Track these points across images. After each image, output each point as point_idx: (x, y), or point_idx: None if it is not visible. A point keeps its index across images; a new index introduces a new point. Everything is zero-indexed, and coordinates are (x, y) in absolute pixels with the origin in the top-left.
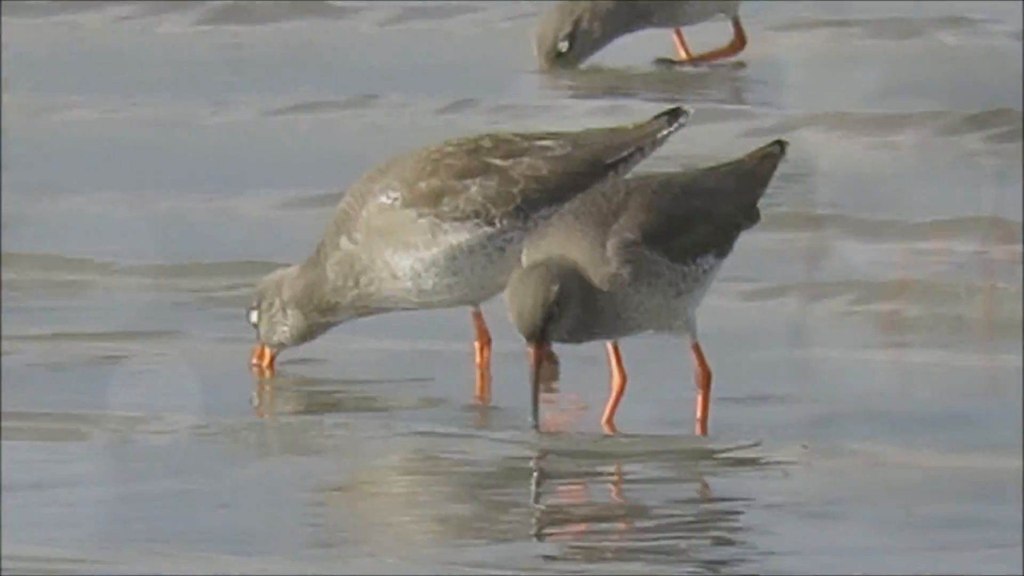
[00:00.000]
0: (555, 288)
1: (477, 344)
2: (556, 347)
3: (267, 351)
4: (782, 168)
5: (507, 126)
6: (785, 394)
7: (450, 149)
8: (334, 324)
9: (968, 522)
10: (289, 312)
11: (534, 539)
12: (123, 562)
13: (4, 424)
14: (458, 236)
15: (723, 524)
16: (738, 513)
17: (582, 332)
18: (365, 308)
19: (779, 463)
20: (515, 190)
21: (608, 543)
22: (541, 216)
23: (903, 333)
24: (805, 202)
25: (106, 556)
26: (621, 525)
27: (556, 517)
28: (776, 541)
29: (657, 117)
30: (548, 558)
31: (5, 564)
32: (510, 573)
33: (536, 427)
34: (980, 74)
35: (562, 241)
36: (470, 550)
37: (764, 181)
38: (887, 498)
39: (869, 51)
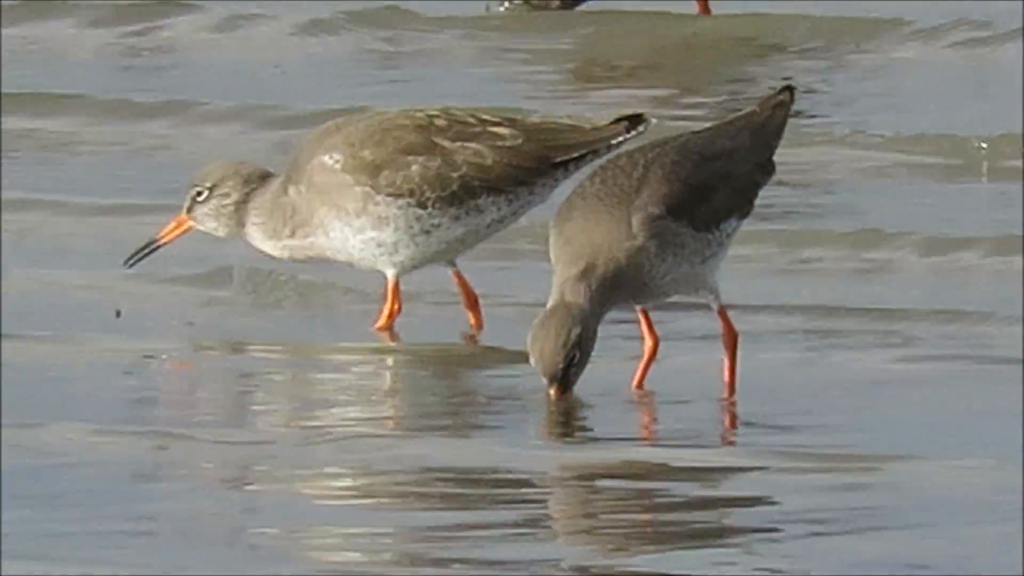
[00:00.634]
0: (576, 332)
1: (386, 309)
2: None
3: (183, 226)
4: None
5: None
6: None
7: (402, 121)
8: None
9: None
10: (239, 209)
11: None
12: None
13: None
14: (388, 211)
15: None
16: None
17: (615, 307)
18: (299, 257)
19: None
20: (455, 175)
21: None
22: (476, 206)
23: None
24: None
25: None
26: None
27: None
28: None
29: (617, 120)
30: None
31: None
32: None
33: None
34: None
35: (587, 223)
36: None
37: (779, 132)
38: None
39: None
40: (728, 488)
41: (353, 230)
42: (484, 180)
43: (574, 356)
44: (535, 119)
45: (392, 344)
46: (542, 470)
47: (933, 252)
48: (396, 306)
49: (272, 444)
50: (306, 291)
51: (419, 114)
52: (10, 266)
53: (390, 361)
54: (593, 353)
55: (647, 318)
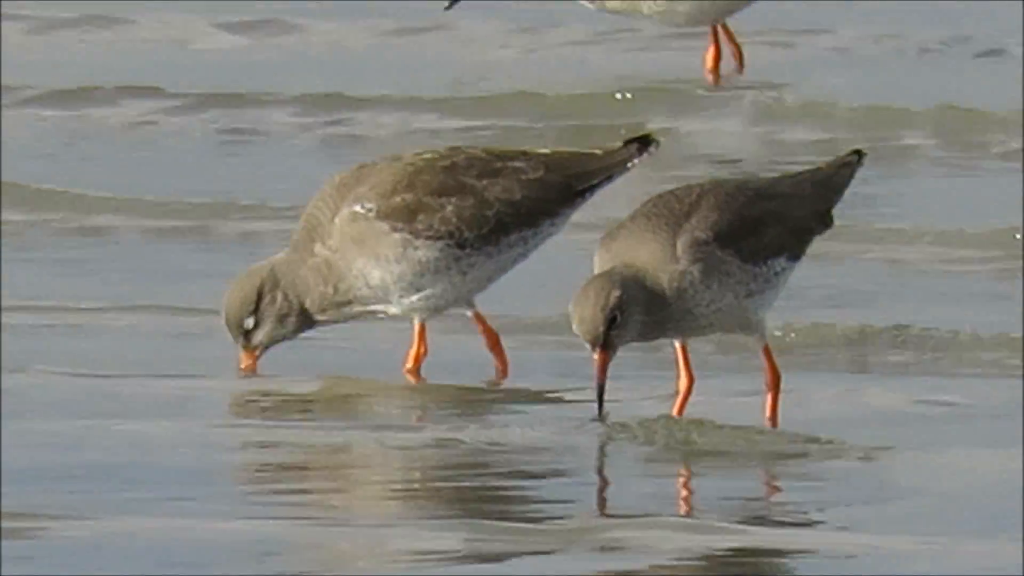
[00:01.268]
0: (616, 294)
1: (413, 351)
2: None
3: (255, 354)
4: None
5: None
6: None
7: (423, 164)
8: (321, 325)
9: None
10: (292, 300)
11: None
12: None
13: None
14: (428, 254)
15: None
16: None
17: (653, 332)
18: (342, 315)
19: None
20: (489, 212)
21: None
22: (508, 242)
23: None
24: None
25: None
26: None
27: None
28: None
29: (627, 144)
30: None
31: None
32: None
33: (602, 420)
34: None
35: (632, 242)
36: None
37: (840, 189)
38: None
39: None
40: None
41: (393, 277)
42: (515, 215)
43: (615, 317)
44: (545, 151)
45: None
46: None
47: None
48: (423, 349)
49: None
50: None
51: (437, 156)
52: None
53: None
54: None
55: (686, 355)
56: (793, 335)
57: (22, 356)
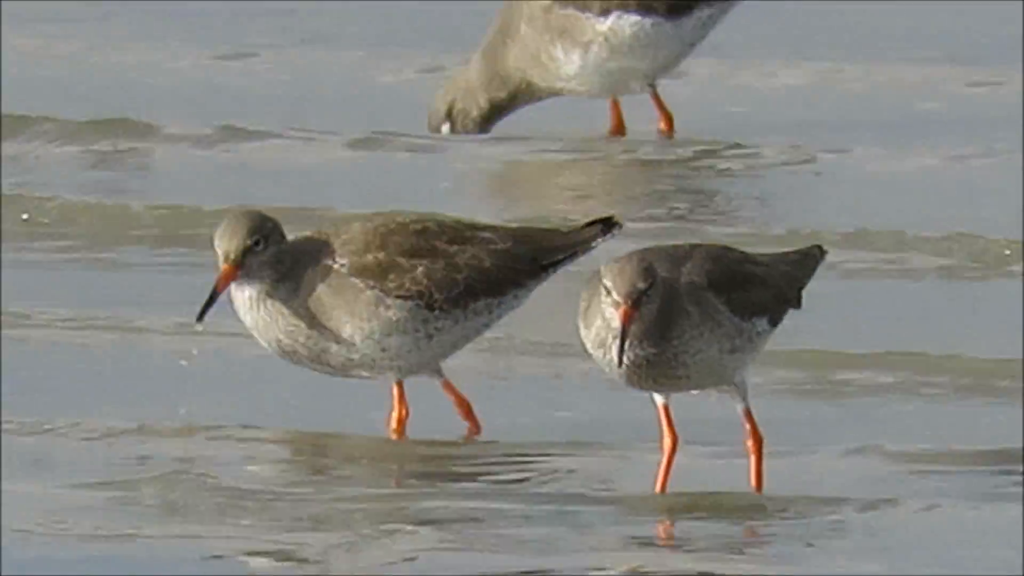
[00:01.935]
0: (648, 263)
1: (395, 415)
2: None
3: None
4: None
5: None
6: None
7: (396, 226)
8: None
9: None
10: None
11: None
12: None
13: None
14: (398, 313)
15: None
16: None
17: (643, 372)
18: (316, 367)
19: None
20: (459, 277)
21: None
22: (474, 309)
23: None
24: None
25: None
26: None
27: None
28: None
29: (591, 224)
30: None
31: None
32: None
33: (620, 364)
34: None
35: None
36: None
37: (807, 275)
38: None
39: None
40: None
41: (363, 335)
42: (484, 282)
43: (653, 282)
44: (511, 226)
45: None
46: None
47: None
48: (404, 411)
49: None
50: None
51: (408, 220)
52: None
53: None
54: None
55: (668, 414)
56: None
57: None
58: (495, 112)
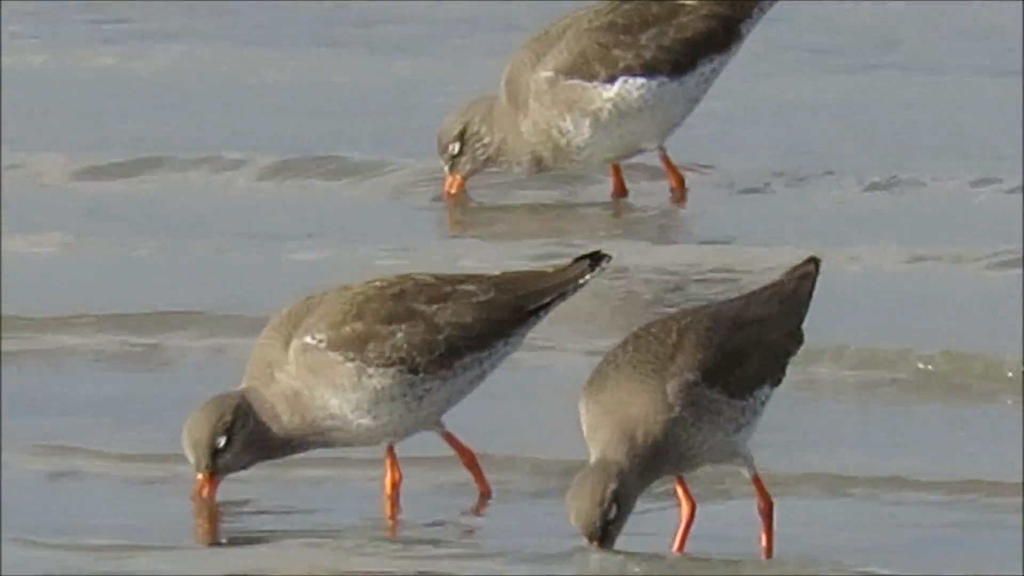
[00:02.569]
0: (612, 488)
1: (388, 479)
2: None
3: (214, 480)
4: None
5: None
6: None
7: (373, 293)
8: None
9: None
10: (268, 426)
11: None
12: None
13: None
14: (382, 381)
15: None
16: None
17: (651, 481)
18: (308, 442)
19: None
20: (440, 337)
21: None
22: (462, 364)
23: None
24: None
25: None
26: None
27: None
28: None
29: (578, 260)
30: None
31: None
32: None
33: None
34: None
35: (622, 395)
36: None
37: (806, 302)
38: None
39: None
40: None
41: (350, 406)
42: (466, 338)
43: (610, 512)
44: (495, 273)
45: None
46: None
47: None
48: (397, 475)
49: None
50: None
51: (385, 283)
52: None
53: None
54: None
55: (683, 483)
56: None
57: None
58: (501, 153)
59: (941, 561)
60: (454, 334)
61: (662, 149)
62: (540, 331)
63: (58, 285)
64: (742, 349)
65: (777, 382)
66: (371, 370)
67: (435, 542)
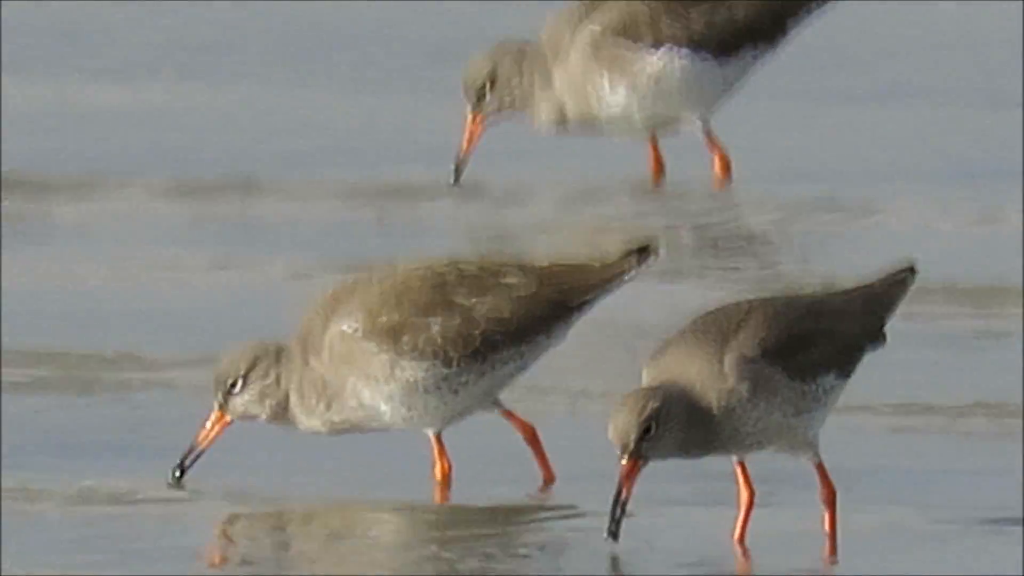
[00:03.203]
0: (652, 405)
1: (438, 470)
2: None
3: (224, 420)
4: None
5: None
6: None
7: (415, 281)
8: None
9: None
10: (282, 387)
11: None
12: None
13: None
14: (415, 374)
15: None
16: None
17: (698, 449)
18: (336, 429)
19: None
20: (476, 331)
21: None
22: (500, 359)
23: None
24: None
25: None
26: None
27: None
28: None
29: (626, 255)
30: None
31: None
32: None
33: (613, 538)
34: None
35: (680, 358)
36: None
37: (892, 307)
38: None
39: None
40: None
41: (383, 396)
42: (504, 332)
43: (649, 427)
44: (543, 263)
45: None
46: None
47: None
48: (446, 464)
49: None
50: None
51: (429, 271)
52: None
53: None
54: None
55: (744, 469)
56: None
57: None
58: (525, 101)
59: None
60: (491, 328)
61: (706, 123)
62: None
63: None
64: (810, 334)
65: (844, 375)
66: (404, 362)
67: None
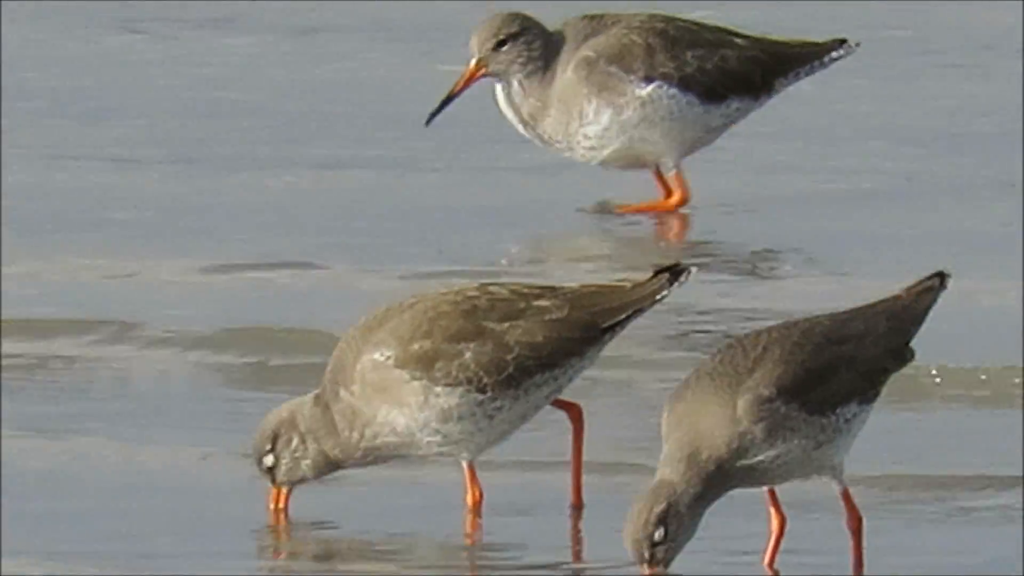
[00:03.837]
0: (659, 508)
1: (469, 497)
2: None
3: (283, 492)
4: None
5: None
6: None
7: (446, 308)
8: (350, 467)
9: None
10: (309, 445)
11: None
12: None
13: None
14: (449, 401)
15: None
16: None
17: (720, 493)
18: (371, 459)
19: None
20: (509, 357)
21: None
22: (534, 383)
23: None
24: None
25: None
26: None
27: None
28: None
29: (657, 274)
30: None
31: None
32: None
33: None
34: None
35: (695, 405)
36: None
37: (920, 318)
38: None
39: None
40: None
41: (418, 424)
42: (536, 357)
43: (655, 534)
44: (574, 285)
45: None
46: None
47: None
48: (478, 493)
49: None
50: None
51: (459, 297)
52: None
53: None
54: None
55: (773, 495)
56: None
57: None
58: (527, 82)
59: None
60: (524, 353)
61: (678, 166)
62: None
63: None
64: (829, 366)
65: (868, 400)
66: (438, 389)
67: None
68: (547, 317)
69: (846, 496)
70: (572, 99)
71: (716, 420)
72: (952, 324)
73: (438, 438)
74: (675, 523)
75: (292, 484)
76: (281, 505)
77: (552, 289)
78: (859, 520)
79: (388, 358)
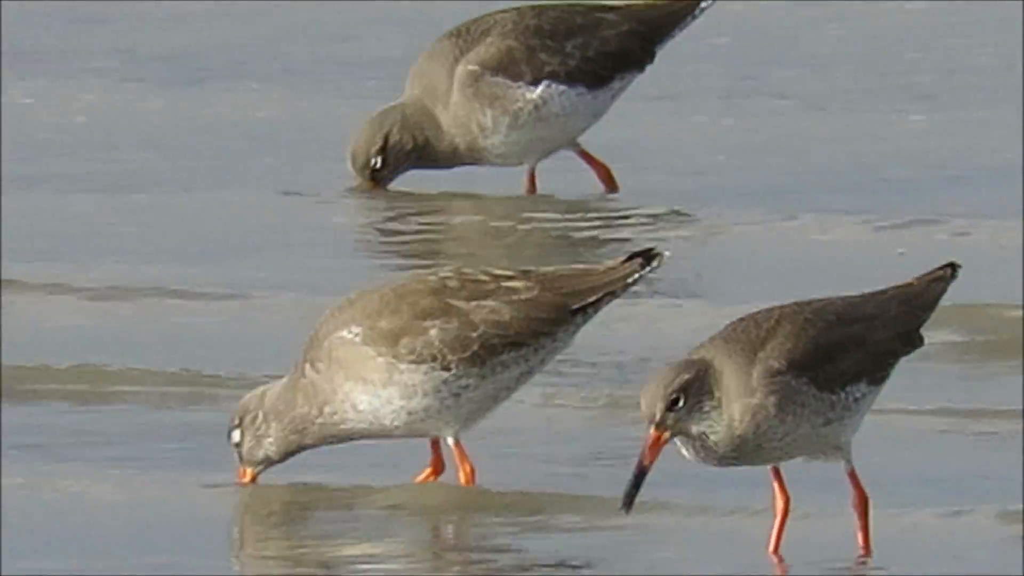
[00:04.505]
0: (685, 377)
1: (462, 475)
2: None
3: (249, 473)
4: None
5: None
6: None
7: (416, 286)
8: (310, 447)
9: None
10: (272, 422)
11: None
12: None
13: None
14: (413, 378)
15: None
16: None
17: (726, 459)
18: (331, 437)
19: None
20: (474, 335)
21: None
22: (500, 362)
23: None
24: None
25: None
26: None
27: None
28: None
29: (630, 258)
30: None
31: None
32: None
33: (627, 509)
34: None
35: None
36: None
37: (930, 306)
38: None
39: None
40: None
41: (380, 401)
42: (504, 336)
43: (677, 399)
44: (548, 269)
45: None
46: None
47: None
48: (469, 468)
49: None
50: None
51: (431, 277)
52: None
53: None
54: None
55: (779, 475)
56: None
57: None
58: (421, 158)
59: None
60: (489, 332)
61: (577, 147)
62: None
63: None
64: (839, 344)
65: (876, 381)
66: (402, 366)
67: None
68: (515, 297)
69: (852, 476)
70: (470, 115)
71: (732, 386)
72: None
73: (404, 416)
74: (695, 397)
75: (257, 466)
76: (247, 480)
77: (525, 272)
78: (865, 500)
79: (356, 335)
